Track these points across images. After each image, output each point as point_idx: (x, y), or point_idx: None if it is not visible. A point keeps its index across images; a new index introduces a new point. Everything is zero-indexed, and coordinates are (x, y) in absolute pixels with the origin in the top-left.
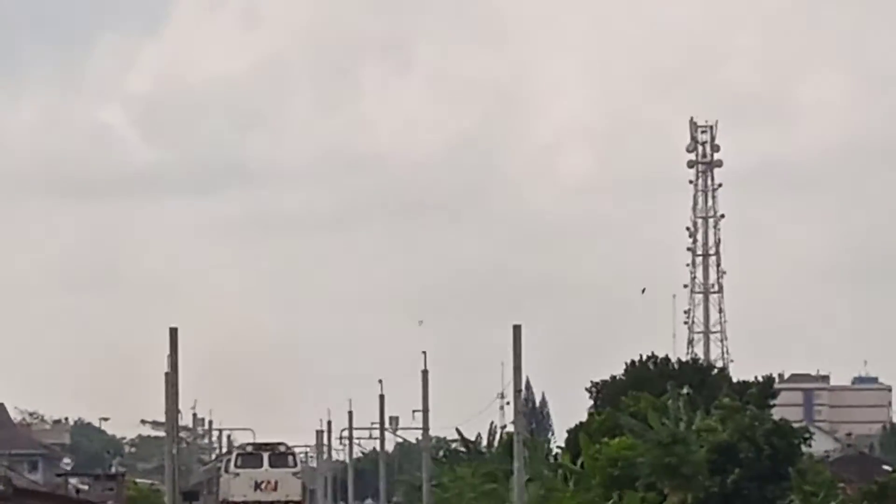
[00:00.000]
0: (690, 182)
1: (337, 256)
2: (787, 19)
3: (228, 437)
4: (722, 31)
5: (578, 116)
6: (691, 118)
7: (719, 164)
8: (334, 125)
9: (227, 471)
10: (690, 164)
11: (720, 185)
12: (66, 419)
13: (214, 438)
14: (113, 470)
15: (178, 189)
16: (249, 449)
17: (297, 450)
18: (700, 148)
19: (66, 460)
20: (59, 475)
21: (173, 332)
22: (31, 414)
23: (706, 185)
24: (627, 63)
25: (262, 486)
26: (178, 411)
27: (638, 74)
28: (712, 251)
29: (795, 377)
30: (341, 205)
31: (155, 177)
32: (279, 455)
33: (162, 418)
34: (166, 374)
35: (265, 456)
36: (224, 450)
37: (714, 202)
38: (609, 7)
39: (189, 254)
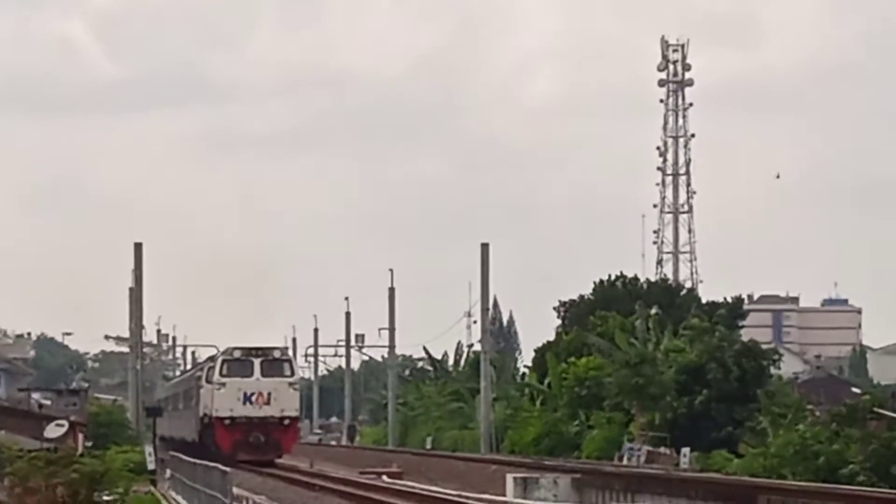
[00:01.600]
0: (661, 101)
1: (301, 174)
2: None
3: (193, 353)
4: None
5: (547, 36)
6: (662, 37)
7: (690, 83)
8: (298, 44)
9: (209, 381)
10: (661, 84)
11: (691, 105)
12: (29, 334)
13: (178, 354)
14: (76, 385)
15: (142, 104)
16: (238, 354)
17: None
18: (671, 67)
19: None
20: (21, 390)
21: (138, 247)
22: None
23: (677, 105)
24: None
25: (253, 398)
26: (142, 327)
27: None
28: (682, 171)
29: (764, 298)
30: (306, 123)
31: (118, 92)
32: (273, 361)
33: (126, 334)
34: (130, 289)
35: (256, 363)
36: (188, 366)
37: (685, 122)
38: None
39: (152, 170)
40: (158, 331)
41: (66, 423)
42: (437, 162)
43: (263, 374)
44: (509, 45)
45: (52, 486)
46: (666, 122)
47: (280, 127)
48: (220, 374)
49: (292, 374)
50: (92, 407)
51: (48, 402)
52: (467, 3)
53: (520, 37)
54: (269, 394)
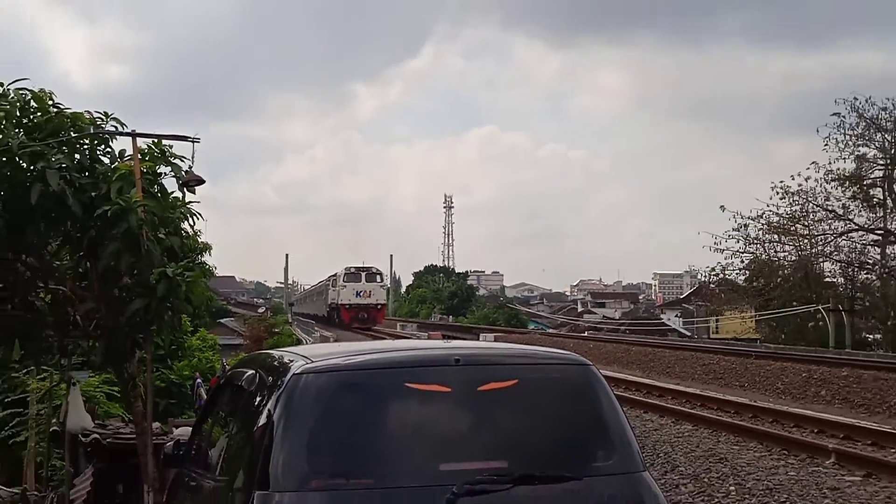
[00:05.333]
0: (443, 213)
1: (335, 237)
2: (470, 163)
3: (303, 286)
4: (453, 163)
5: (412, 191)
6: (444, 193)
7: (453, 205)
8: (338, 194)
9: (334, 285)
10: (444, 207)
11: (454, 213)
12: (245, 279)
13: (300, 286)
14: (269, 297)
15: (289, 212)
16: (352, 270)
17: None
18: (447, 200)
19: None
20: (250, 300)
21: (286, 256)
22: (241, 278)
23: (449, 213)
24: (424, 175)
25: (361, 294)
26: (287, 276)
27: (429, 178)
28: (451, 232)
29: (474, 272)
30: (341, 220)
31: (276, 208)
32: (371, 274)
33: (282, 278)
34: (284, 268)
35: (363, 274)
36: (303, 288)
37: (451, 217)
38: (418, 158)
39: (294, 231)
40: (293, 279)
41: (264, 308)
42: (378, 232)
43: (366, 281)
44: (403, 193)
45: (259, 327)
46: (445, 220)
47: (334, 218)
48: (343, 281)
49: (382, 281)
50: (271, 303)
51: (259, 302)
52: (384, 177)
53: (405, 188)
54: (370, 291)
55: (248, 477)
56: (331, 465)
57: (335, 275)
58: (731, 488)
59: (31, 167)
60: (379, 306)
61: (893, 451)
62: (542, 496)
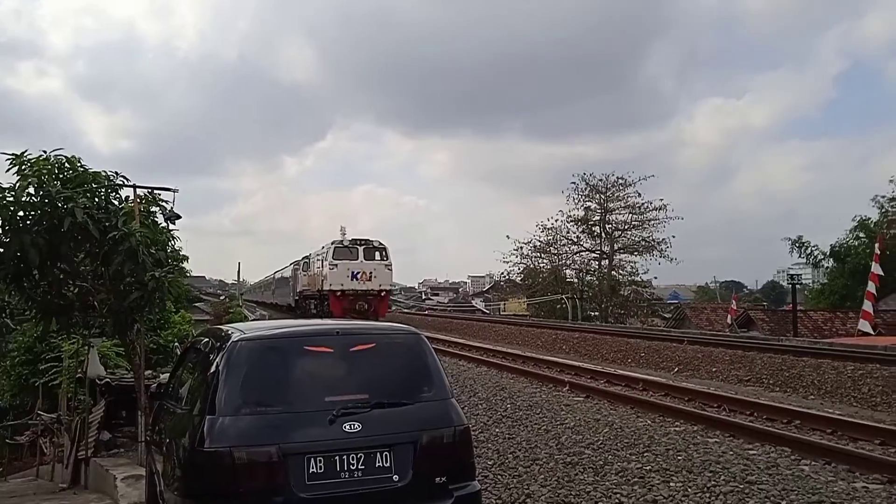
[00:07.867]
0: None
1: (270, 251)
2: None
3: (248, 281)
4: (346, 206)
5: (319, 223)
6: (340, 225)
7: (346, 234)
8: (272, 224)
9: (305, 269)
10: (340, 234)
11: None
12: (212, 278)
13: (247, 282)
14: (226, 289)
15: (239, 235)
16: (346, 243)
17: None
18: (342, 231)
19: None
20: (216, 291)
21: (238, 263)
22: (209, 277)
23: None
24: (327, 214)
25: (358, 276)
26: (239, 275)
27: (330, 216)
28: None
29: None
30: (274, 241)
31: (237, 232)
32: (372, 249)
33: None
34: (237, 270)
35: (360, 249)
36: (248, 285)
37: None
38: (324, 203)
39: (243, 247)
40: (243, 276)
41: (223, 297)
42: (301, 246)
43: (366, 258)
44: (314, 224)
45: (220, 308)
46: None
47: (285, 232)
48: (333, 258)
49: (387, 258)
50: (228, 293)
51: (220, 293)
52: (302, 214)
53: (315, 222)
54: (371, 272)
55: (202, 406)
56: (255, 398)
57: (307, 257)
58: (508, 405)
59: (65, 206)
60: (383, 293)
61: (603, 381)
62: (389, 415)
